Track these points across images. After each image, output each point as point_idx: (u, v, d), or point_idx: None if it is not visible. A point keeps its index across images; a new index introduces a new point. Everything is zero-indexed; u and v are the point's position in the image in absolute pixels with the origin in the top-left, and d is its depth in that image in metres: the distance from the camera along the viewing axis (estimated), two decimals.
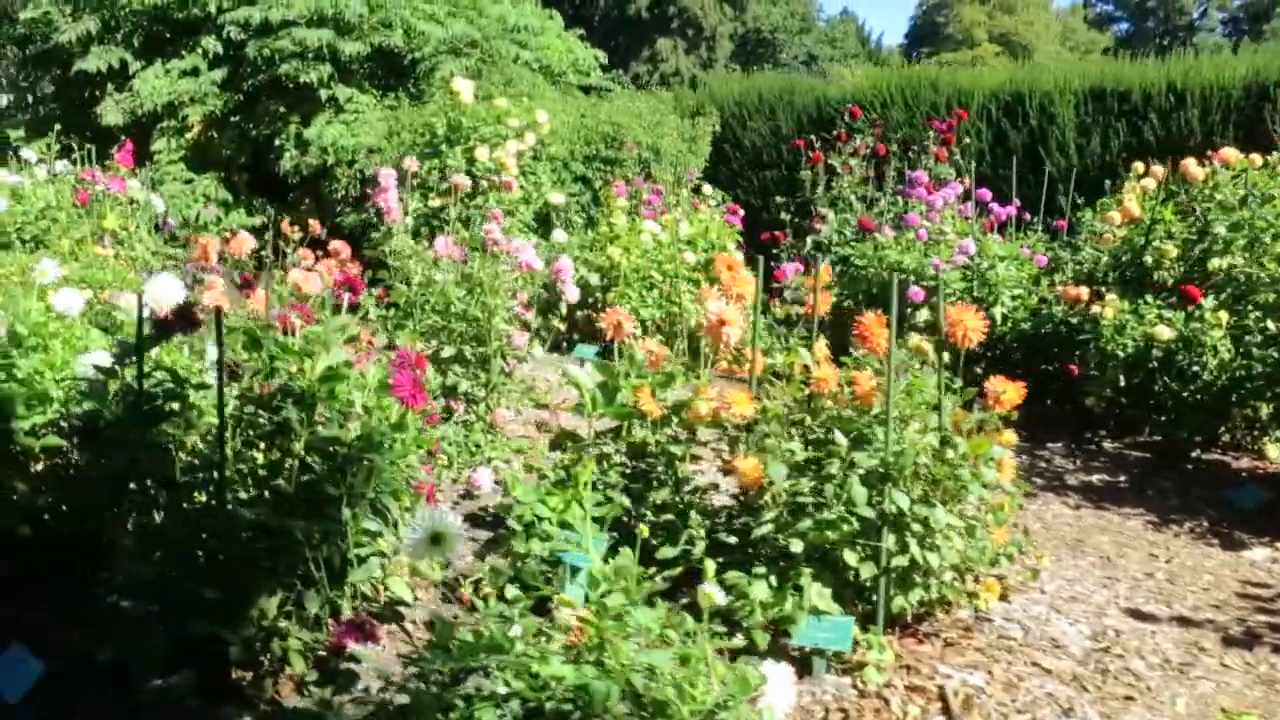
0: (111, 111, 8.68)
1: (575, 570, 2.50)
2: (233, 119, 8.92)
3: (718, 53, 44.92)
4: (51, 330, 3.04)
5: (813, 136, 7.28)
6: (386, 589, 2.55)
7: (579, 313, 5.91)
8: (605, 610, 1.90)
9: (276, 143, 8.60)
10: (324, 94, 8.43)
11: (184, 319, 2.38)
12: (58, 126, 7.32)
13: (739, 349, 2.97)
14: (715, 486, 2.97)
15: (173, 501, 2.39)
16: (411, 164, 5.60)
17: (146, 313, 3.17)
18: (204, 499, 2.45)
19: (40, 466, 2.96)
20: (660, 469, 2.92)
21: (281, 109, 8.75)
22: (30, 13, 9.14)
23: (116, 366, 2.48)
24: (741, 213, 6.86)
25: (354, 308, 3.38)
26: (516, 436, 4.17)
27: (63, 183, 6.54)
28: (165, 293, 3.12)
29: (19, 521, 2.79)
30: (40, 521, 2.84)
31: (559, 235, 5.86)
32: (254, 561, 2.27)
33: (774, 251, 6.73)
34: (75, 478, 2.82)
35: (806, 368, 2.87)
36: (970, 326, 2.57)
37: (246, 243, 4.04)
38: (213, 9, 8.54)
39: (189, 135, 8.90)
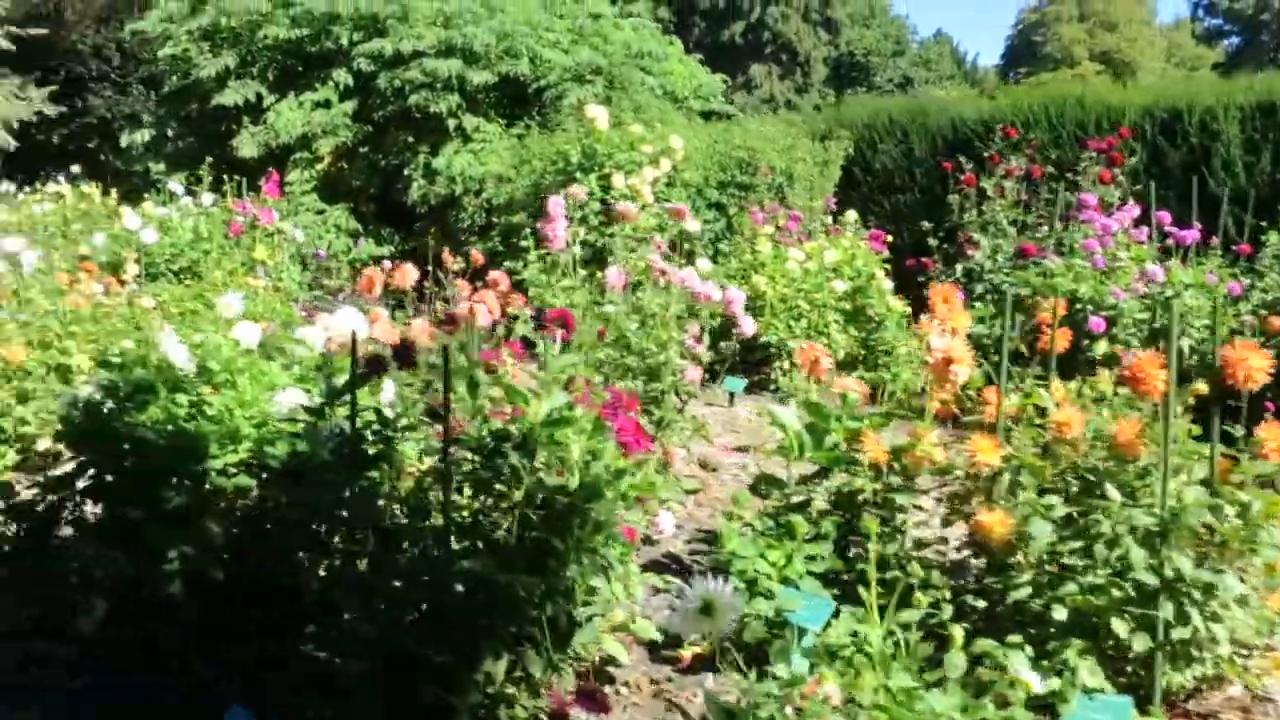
0: (247, 144, 8.87)
1: (801, 632, 2.30)
2: (361, 150, 9.03)
3: (812, 77, 44.65)
4: (239, 366, 2.97)
5: (960, 158, 6.98)
6: (599, 646, 2.38)
7: (721, 343, 5.73)
8: (891, 695, 1.69)
9: (405, 172, 8.67)
10: (451, 124, 8.47)
11: (403, 356, 2.26)
12: (207, 160, 7.50)
13: (963, 390, 2.73)
14: (944, 541, 2.73)
15: (385, 552, 2.26)
16: (579, 191, 5.49)
17: (330, 345, 3.08)
18: (411, 549, 2.33)
19: (225, 505, 2.89)
20: (880, 520, 2.69)
21: (409, 139, 8.83)
22: (170, 50, 9.43)
23: (325, 407, 2.37)
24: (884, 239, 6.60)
25: (508, 335, 3.25)
26: (684, 476, 3.98)
27: (211, 215, 6.67)
28: (348, 326, 3.03)
29: (212, 564, 2.72)
30: (232, 565, 2.77)
31: (703, 264, 5.68)
32: (476, 620, 2.12)
33: (920, 279, 6.44)
34: (271, 521, 2.73)
35: (1041, 410, 2.62)
36: (1255, 366, 2.28)
37: (410, 274, 3.96)
38: (345, 42, 8.68)
39: (319, 166, 9.04)
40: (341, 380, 2.44)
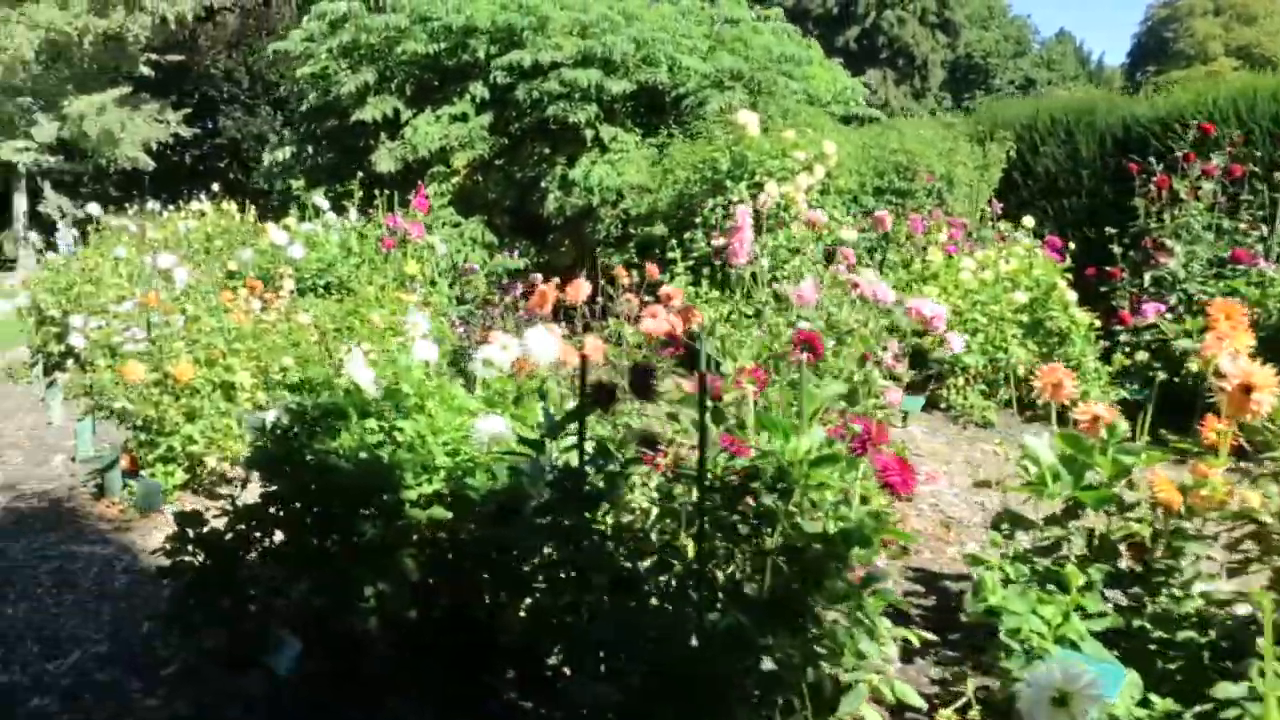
0: (385, 159, 8.89)
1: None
2: (496, 162, 8.95)
3: (930, 82, 43.50)
4: (429, 389, 2.78)
5: (1135, 158, 6.45)
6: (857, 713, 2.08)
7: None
8: None
9: (542, 184, 8.55)
10: (589, 134, 8.30)
11: (641, 387, 2.01)
12: (346, 175, 7.50)
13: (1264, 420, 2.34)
14: (1242, 596, 2.34)
15: (620, 601, 2.01)
16: (769, 196, 5.21)
17: (522, 365, 2.85)
18: (638, 598, 2.07)
19: (418, 538, 2.70)
20: (1162, 570, 2.32)
21: (545, 150, 8.71)
22: (310, 68, 9.56)
23: (546, 439, 2.14)
24: (1058, 246, 6.12)
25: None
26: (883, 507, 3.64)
27: (360, 230, 6.63)
28: (543, 347, 2.81)
29: (407, 603, 2.53)
30: (424, 599, 2.58)
31: (869, 275, 5.33)
32: (728, 684, 1.85)
33: (1103, 289, 5.96)
34: (471, 557, 2.52)
35: None
36: None
37: (583, 289, 3.74)
38: (481, 55, 8.62)
39: (455, 180, 9.00)
40: (531, 404, 2.21)
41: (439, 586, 2.63)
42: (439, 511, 2.57)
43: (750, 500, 1.94)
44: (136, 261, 8.01)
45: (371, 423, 2.69)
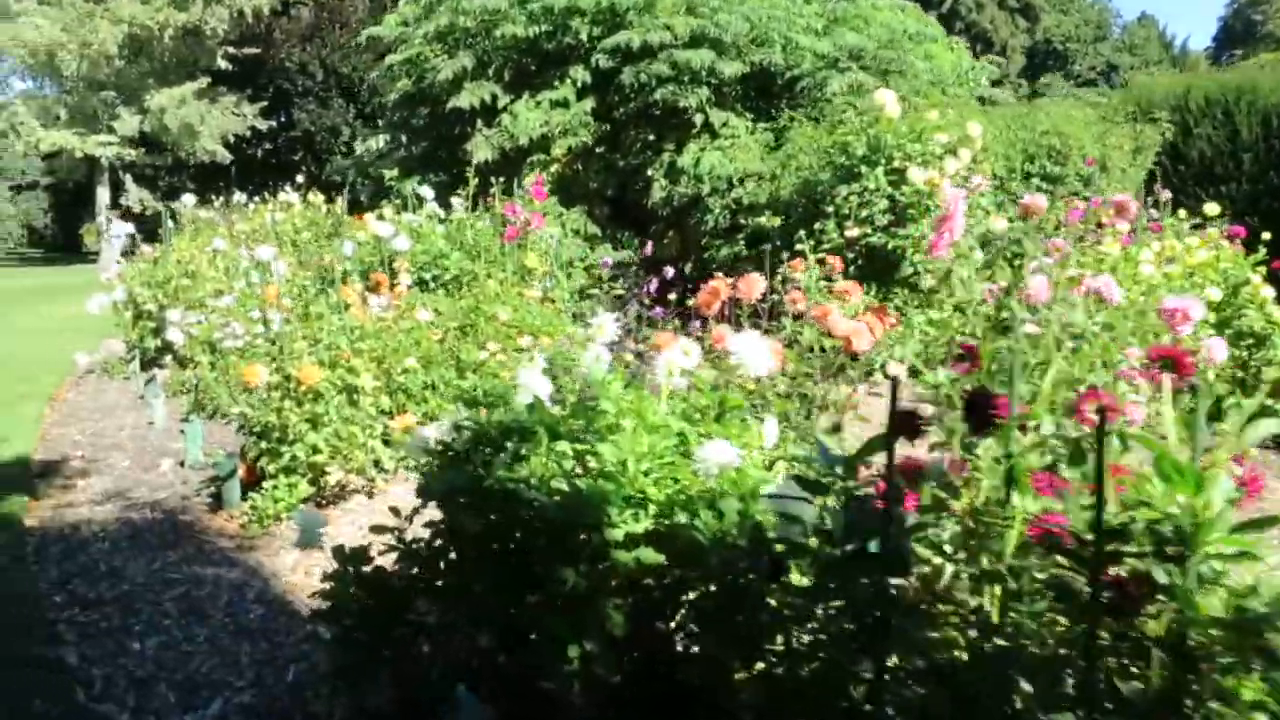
0: (481, 147, 8.54)
1: None
2: (597, 150, 8.55)
3: (1009, 67, 42.16)
4: (628, 405, 2.35)
5: None
6: None
7: None
8: None
9: (649, 173, 8.12)
10: (698, 119, 7.85)
11: (979, 415, 1.55)
12: (454, 164, 7.15)
13: None
14: None
15: (937, 692, 1.56)
16: (913, 183, 4.73)
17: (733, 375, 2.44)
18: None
19: (619, 584, 2.28)
20: None
21: (649, 137, 8.28)
22: (403, 54, 9.24)
23: (839, 480, 1.69)
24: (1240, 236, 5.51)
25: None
26: None
27: (471, 221, 6.27)
28: (756, 354, 2.37)
29: (613, 664, 2.11)
30: (639, 667, 2.16)
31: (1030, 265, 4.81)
32: None
33: None
34: (698, 613, 2.10)
35: None
36: None
37: (757, 285, 3.29)
38: (584, 36, 8.21)
39: (553, 169, 8.62)
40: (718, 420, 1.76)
41: (639, 638, 2.22)
42: (649, 555, 2.14)
43: (1121, 569, 1.48)
44: (233, 254, 7.76)
45: (564, 445, 2.27)
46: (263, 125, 28.34)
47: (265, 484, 3.78)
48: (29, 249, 34.71)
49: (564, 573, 2.10)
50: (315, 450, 3.81)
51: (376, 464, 4.03)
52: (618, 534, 2.16)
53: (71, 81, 24.62)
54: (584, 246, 8.35)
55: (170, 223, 8.13)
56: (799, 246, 6.22)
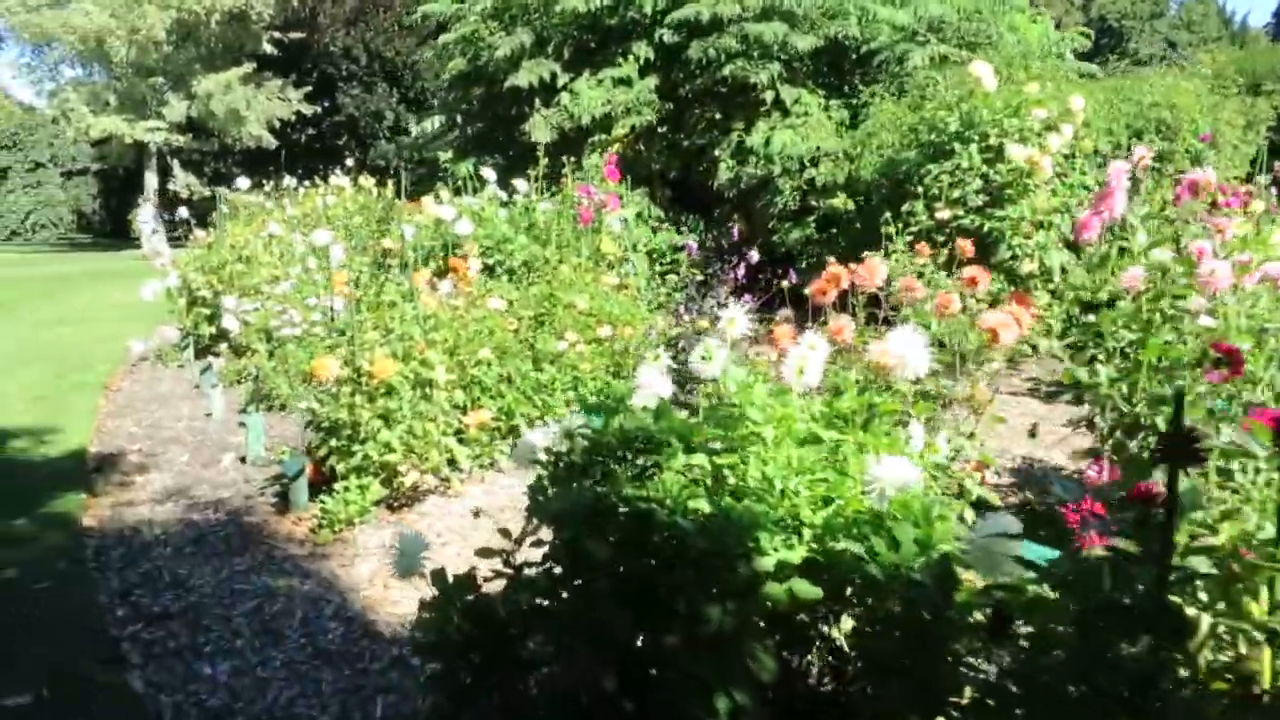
0: (540, 128, 8.23)
1: None
2: (659, 130, 8.21)
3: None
4: (774, 413, 2.04)
5: None
6: None
7: None
8: None
9: (715, 153, 7.77)
10: (769, 96, 7.48)
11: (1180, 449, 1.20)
12: (510, 146, 6.85)
13: None
14: None
15: None
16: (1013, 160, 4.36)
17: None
18: None
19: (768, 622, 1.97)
20: None
21: (715, 115, 7.93)
22: (458, 31, 8.95)
23: None
24: None
25: None
26: None
27: (533, 204, 5.98)
28: (914, 351, 2.04)
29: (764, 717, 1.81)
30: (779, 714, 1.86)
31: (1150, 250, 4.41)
32: None
33: None
34: (869, 664, 1.79)
35: None
36: None
37: (878, 271, 2.95)
38: (648, 10, 7.87)
39: (613, 150, 8.29)
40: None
41: (784, 681, 1.91)
42: (805, 588, 1.83)
43: None
44: (287, 240, 7.55)
45: (700, 459, 1.96)
46: (308, 110, 28.29)
47: (336, 485, 3.52)
48: (78, 234, 35.08)
49: (709, 610, 1.80)
50: (388, 449, 3.54)
51: (451, 462, 3.75)
52: (769, 563, 1.85)
53: (120, 68, 24.69)
54: (648, 230, 8.02)
55: (223, 207, 7.92)
56: (885, 230, 5.86)
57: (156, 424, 5.54)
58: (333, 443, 3.61)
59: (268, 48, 27.12)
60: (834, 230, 7.40)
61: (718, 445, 2.06)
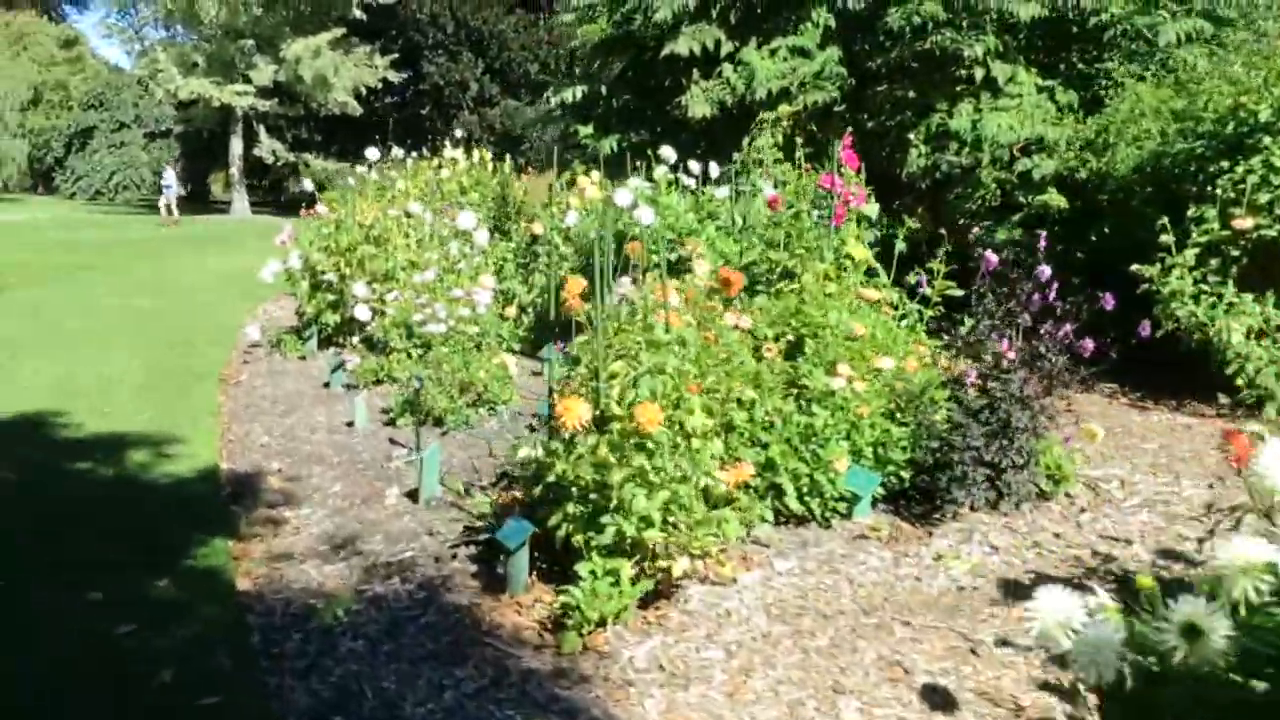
0: (698, 102, 7.29)
1: None
2: (836, 109, 7.21)
3: None
4: None
5: None
6: None
7: None
8: None
9: (908, 136, 6.76)
10: (978, 73, 6.43)
11: None
12: (659, 122, 5.93)
13: None
14: None
15: None
16: None
17: None
18: None
19: None
20: None
21: (909, 94, 6.90)
22: None
23: None
24: None
25: None
26: None
27: (757, 196, 5.06)
28: None
29: None
30: None
31: None
32: None
33: None
34: None
35: None
36: None
37: None
38: None
39: (778, 131, 7.31)
40: None
41: None
42: None
43: None
44: (419, 220, 6.72)
45: None
46: (395, 77, 27.61)
47: (579, 569, 2.64)
48: (157, 196, 35.01)
49: None
50: (646, 523, 2.66)
51: (717, 535, 2.86)
52: None
53: (210, 29, 24.21)
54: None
55: (351, 180, 7.12)
56: (1162, 237, 4.84)
57: (290, 433, 4.75)
58: (569, 508, 2.74)
59: (357, 12, 26.48)
60: (1040, 231, 6.37)
61: None
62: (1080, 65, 6.72)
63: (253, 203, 27.19)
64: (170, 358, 6.46)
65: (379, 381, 5.56)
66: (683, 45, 7.27)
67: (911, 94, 6.88)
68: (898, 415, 3.41)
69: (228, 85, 24.20)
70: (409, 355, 5.48)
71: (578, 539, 2.71)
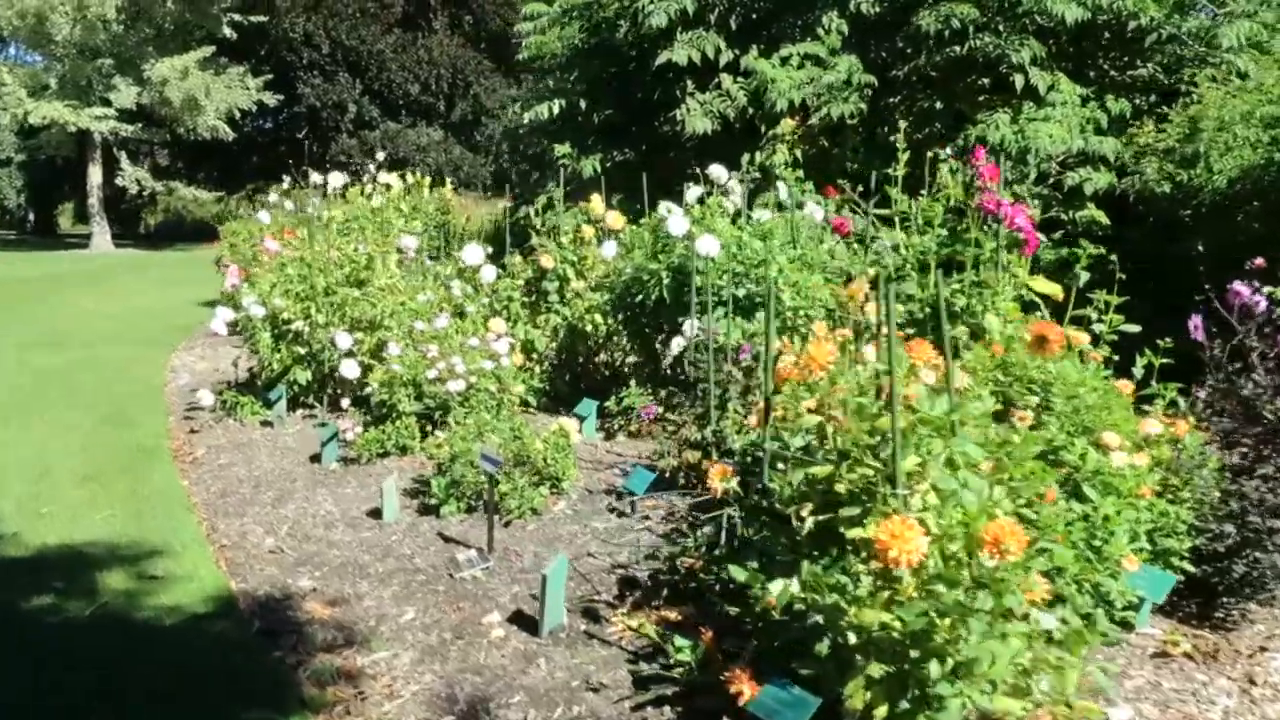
0: (695, 116, 6.56)
1: None
2: (850, 121, 6.59)
3: None
4: None
5: None
6: None
7: None
8: None
9: (935, 151, 6.18)
10: (1018, 81, 5.92)
11: None
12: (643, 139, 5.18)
13: None
14: None
15: None
16: None
17: None
18: None
19: None
20: None
21: (935, 105, 6.35)
22: None
23: None
24: None
25: None
26: None
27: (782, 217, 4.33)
28: None
29: None
30: None
31: None
32: None
33: None
34: None
35: None
36: None
37: None
38: None
39: (784, 146, 6.66)
40: None
41: None
42: None
43: None
44: (389, 248, 5.72)
45: None
46: (270, 100, 25.89)
47: None
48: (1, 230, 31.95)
49: None
50: (993, 686, 1.87)
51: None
52: None
53: (63, 48, 22.06)
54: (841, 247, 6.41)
55: (316, 211, 6.06)
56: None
57: (299, 531, 3.74)
58: (872, 671, 1.92)
59: (227, 30, 24.71)
60: (1074, 249, 5.92)
61: None
62: (1113, 73, 6.31)
63: (112, 236, 24.91)
64: (104, 431, 5.26)
65: (386, 453, 4.57)
66: (680, 54, 6.52)
67: (937, 105, 6.32)
68: (1165, 494, 2.72)
69: (84, 109, 22.05)
70: (431, 421, 4.52)
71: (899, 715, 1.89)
